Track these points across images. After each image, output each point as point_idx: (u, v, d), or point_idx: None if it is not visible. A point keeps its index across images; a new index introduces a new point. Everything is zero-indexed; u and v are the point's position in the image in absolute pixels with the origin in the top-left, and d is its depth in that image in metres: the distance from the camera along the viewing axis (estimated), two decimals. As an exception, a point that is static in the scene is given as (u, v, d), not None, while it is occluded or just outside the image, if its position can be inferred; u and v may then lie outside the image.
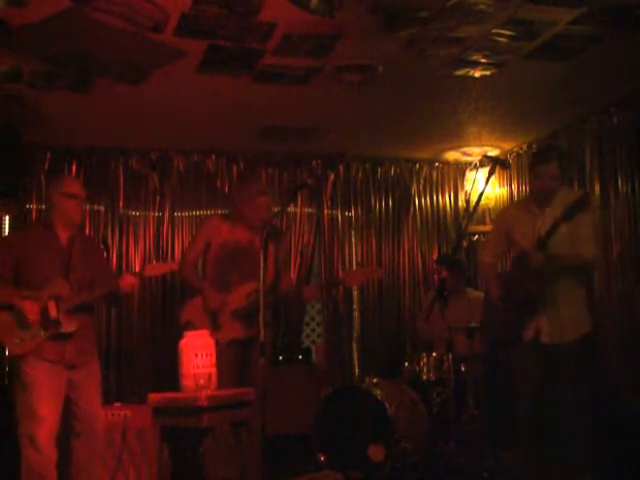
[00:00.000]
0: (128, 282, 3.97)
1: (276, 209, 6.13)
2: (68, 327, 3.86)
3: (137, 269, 6.15)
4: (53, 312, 3.84)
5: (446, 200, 7.02)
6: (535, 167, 4.07)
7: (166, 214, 6.33)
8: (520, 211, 4.20)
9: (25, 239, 4.06)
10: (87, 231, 6.03)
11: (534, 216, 4.07)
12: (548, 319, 3.93)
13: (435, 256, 6.81)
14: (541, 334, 3.94)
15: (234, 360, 4.51)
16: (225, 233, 4.71)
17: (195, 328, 4.41)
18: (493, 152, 6.50)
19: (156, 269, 4.15)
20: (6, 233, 5.81)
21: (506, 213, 4.25)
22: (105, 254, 4.53)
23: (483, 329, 4.55)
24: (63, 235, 4.03)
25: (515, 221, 4.18)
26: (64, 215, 4.02)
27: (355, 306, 6.62)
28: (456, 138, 6.26)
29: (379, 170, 6.84)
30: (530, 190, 4.17)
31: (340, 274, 6.46)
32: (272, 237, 4.16)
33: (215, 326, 4.54)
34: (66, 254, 3.99)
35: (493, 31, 4.15)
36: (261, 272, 3.84)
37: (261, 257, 3.84)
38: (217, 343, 4.42)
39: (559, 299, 3.92)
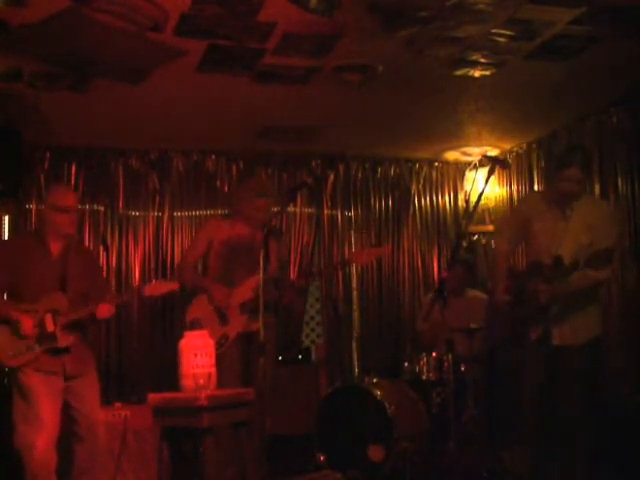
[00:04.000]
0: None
1: (276, 209, 6.17)
2: (64, 342, 3.83)
3: (137, 269, 6.18)
4: (50, 326, 3.81)
5: (446, 200, 7.02)
6: (559, 170, 3.99)
7: (166, 214, 6.33)
8: (542, 205, 4.10)
9: (16, 251, 4.00)
10: (87, 231, 6.03)
11: (556, 217, 4.01)
12: (558, 322, 3.90)
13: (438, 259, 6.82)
14: (551, 337, 3.90)
15: (240, 357, 4.53)
16: (226, 230, 4.78)
17: (201, 326, 4.43)
18: (493, 152, 6.50)
19: (156, 289, 4.07)
20: (6, 233, 5.81)
21: (529, 200, 4.13)
22: (102, 255, 4.50)
23: (487, 327, 4.51)
24: (55, 246, 3.98)
25: (536, 212, 4.10)
26: (55, 228, 3.97)
27: (355, 306, 6.62)
28: (456, 138, 6.26)
29: (379, 170, 6.84)
30: (554, 190, 4.09)
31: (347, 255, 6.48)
32: (273, 235, 4.19)
33: (223, 321, 4.58)
34: (59, 266, 3.95)
35: (493, 31, 4.15)
36: (261, 272, 3.85)
37: (261, 256, 3.85)
38: (227, 338, 4.44)
39: (571, 306, 3.89)
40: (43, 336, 3.80)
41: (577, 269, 3.65)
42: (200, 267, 5.11)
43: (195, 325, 4.43)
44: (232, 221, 4.82)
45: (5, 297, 3.94)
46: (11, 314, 3.78)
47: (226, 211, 6.25)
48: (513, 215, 4.13)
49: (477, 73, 4.75)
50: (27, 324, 3.77)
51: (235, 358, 4.52)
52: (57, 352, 3.84)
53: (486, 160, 6.15)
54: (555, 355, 3.91)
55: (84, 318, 3.93)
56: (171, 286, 4.14)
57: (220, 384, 3.96)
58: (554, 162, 4.13)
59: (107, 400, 4.65)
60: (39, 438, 3.72)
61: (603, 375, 5.26)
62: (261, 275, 3.82)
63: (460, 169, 7.00)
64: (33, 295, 3.84)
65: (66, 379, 3.87)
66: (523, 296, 3.98)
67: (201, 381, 3.82)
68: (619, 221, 4.81)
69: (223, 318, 4.60)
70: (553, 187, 4.09)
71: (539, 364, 3.96)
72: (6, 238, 5.77)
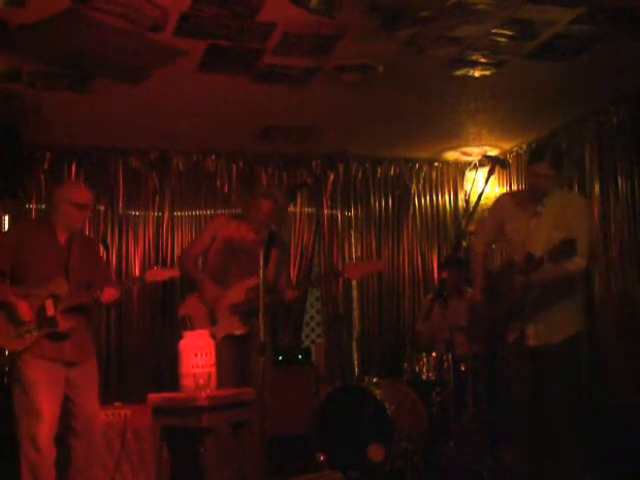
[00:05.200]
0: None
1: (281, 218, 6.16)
2: (64, 326, 3.84)
3: (137, 269, 6.18)
4: (50, 310, 3.81)
5: (446, 200, 7.02)
6: (529, 165, 4.07)
7: (166, 214, 6.34)
8: (515, 204, 4.14)
9: (24, 236, 4.01)
10: (87, 231, 6.02)
11: (528, 214, 4.05)
12: (534, 322, 3.92)
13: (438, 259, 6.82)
14: (527, 337, 3.93)
15: (231, 356, 4.54)
16: (232, 229, 4.81)
17: (192, 321, 4.46)
18: (493, 152, 6.50)
19: (158, 275, 4.08)
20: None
21: (502, 201, 4.18)
22: (102, 252, 4.51)
23: (470, 327, 4.56)
24: (62, 235, 4.00)
25: (509, 213, 4.14)
26: (68, 222, 3.97)
27: (355, 306, 6.62)
28: (456, 138, 6.26)
29: (379, 170, 6.84)
30: (526, 187, 4.17)
31: (340, 266, 6.49)
32: (277, 244, 4.19)
33: (212, 321, 4.59)
34: (65, 254, 3.97)
35: (493, 31, 4.15)
36: (261, 273, 3.85)
37: (261, 258, 3.85)
38: (214, 338, 4.46)
39: (546, 304, 3.91)
40: (43, 320, 3.80)
41: (542, 264, 3.68)
42: (200, 262, 5.12)
43: (186, 321, 4.45)
44: (239, 222, 4.85)
45: (8, 280, 3.93)
46: (10, 299, 3.79)
47: (226, 211, 6.28)
48: (487, 217, 4.17)
49: (477, 73, 4.75)
50: (25, 310, 3.77)
51: (230, 360, 4.52)
52: (58, 338, 3.83)
53: (486, 160, 6.16)
54: (533, 355, 3.93)
55: (87, 303, 3.94)
56: (172, 272, 4.15)
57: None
58: (527, 160, 4.16)
59: (107, 399, 4.65)
60: (40, 430, 3.71)
61: (601, 374, 5.28)
62: (261, 277, 3.81)
63: (460, 169, 7.00)
64: (36, 280, 3.84)
65: (66, 366, 3.87)
66: (498, 295, 4.01)
67: (201, 381, 3.82)
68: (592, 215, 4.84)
69: (213, 318, 4.61)
70: (526, 184, 4.14)
71: (519, 365, 3.99)
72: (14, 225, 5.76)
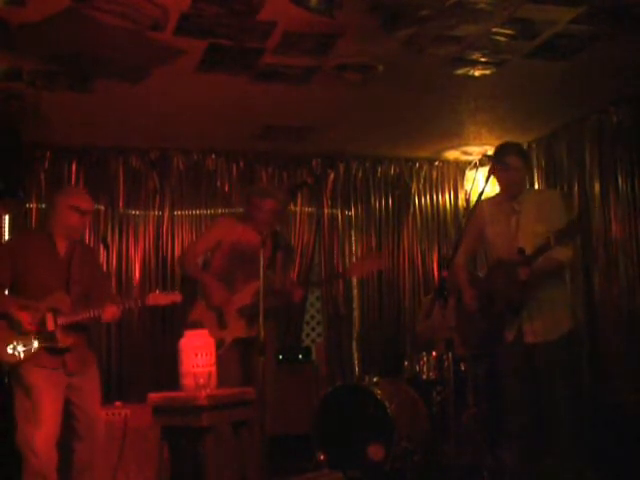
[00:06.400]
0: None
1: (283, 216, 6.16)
2: (64, 342, 3.82)
3: (137, 268, 6.18)
4: (50, 325, 3.79)
5: (446, 199, 7.02)
6: (496, 163, 4.07)
7: (166, 213, 6.33)
8: (492, 207, 4.15)
9: (24, 247, 3.98)
10: (87, 230, 5.99)
11: (506, 214, 4.05)
12: (530, 320, 3.93)
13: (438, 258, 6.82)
14: (524, 335, 3.94)
15: (239, 360, 4.54)
16: (238, 233, 4.75)
17: (202, 327, 4.44)
18: (493, 151, 6.49)
19: (159, 299, 4.05)
20: (6, 232, 5.80)
21: (479, 208, 4.18)
22: (102, 253, 4.50)
23: (459, 333, 4.57)
24: (62, 245, 3.97)
25: (487, 217, 4.14)
26: (67, 227, 3.95)
27: (355, 305, 6.62)
28: (456, 137, 6.26)
29: (379, 169, 6.84)
30: (499, 188, 4.18)
31: (342, 268, 6.49)
32: (283, 248, 4.17)
33: (221, 325, 4.58)
34: (65, 266, 3.94)
35: (493, 30, 4.15)
36: (261, 272, 3.85)
37: (261, 257, 3.85)
38: (223, 342, 4.45)
39: (539, 300, 3.91)
40: (43, 334, 3.79)
41: (550, 247, 3.69)
42: (200, 262, 5.10)
43: (197, 326, 4.44)
44: (244, 225, 4.77)
45: (7, 292, 3.92)
46: (11, 311, 3.77)
47: (226, 210, 6.28)
48: (467, 227, 4.16)
49: (477, 72, 4.75)
50: (26, 318, 3.75)
51: (234, 362, 4.52)
52: (57, 352, 3.83)
53: (486, 159, 6.16)
54: (531, 353, 3.93)
55: (87, 322, 3.91)
56: (174, 298, 4.11)
57: (219, 387, 3.96)
58: (492, 161, 4.15)
59: (107, 399, 4.65)
60: (39, 435, 3.71)
61: (602, 374, 5.27)
62: (261, 279, 3.81)
63: (460, 168, 7.00)
64: (37, 293, 3.83)
65: (68, 375, 3.87)
66: (494, 295, 4.01)
67: (201, 380, 3.82)
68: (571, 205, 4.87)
69: (222, 322, 4.60)
70: (498, 183, 4.17)
71: (518, 364, 3.99)
72: (8, 236, 5.75)
